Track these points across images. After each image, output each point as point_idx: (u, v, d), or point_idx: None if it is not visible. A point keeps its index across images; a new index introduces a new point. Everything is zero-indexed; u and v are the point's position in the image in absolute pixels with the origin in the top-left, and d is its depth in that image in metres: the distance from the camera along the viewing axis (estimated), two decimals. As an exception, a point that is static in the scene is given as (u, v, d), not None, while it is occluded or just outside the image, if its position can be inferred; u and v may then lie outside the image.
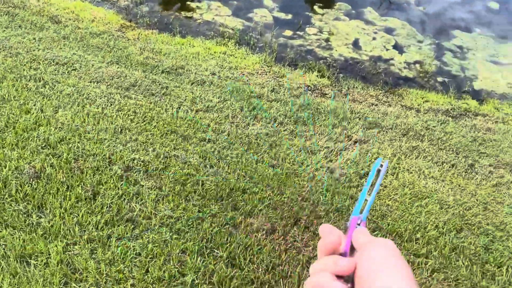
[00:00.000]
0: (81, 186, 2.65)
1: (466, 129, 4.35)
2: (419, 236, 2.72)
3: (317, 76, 5.16)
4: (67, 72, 3.97)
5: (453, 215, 2.97)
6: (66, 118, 3.24)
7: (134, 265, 2.24)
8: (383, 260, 0.51)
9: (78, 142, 3.03)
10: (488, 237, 2.82)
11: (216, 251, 2.38)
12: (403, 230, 2.74)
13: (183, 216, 2.56)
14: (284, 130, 3.76)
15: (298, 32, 6.07)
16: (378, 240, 0.53)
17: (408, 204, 3.02)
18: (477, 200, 3.20)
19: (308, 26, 6.19)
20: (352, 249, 0.56)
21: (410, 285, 0.48)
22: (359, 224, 0.58)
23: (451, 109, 4.82)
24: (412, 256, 2.56)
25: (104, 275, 2.16)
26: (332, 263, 0.53)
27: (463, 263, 2.56)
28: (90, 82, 3.89)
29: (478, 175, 3.54)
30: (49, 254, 2.21)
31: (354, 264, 0.52)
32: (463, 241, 2.75)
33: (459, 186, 3.35)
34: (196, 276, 2.21)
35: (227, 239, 2.45)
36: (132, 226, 2.45)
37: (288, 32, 6.05)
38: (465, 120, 4.61)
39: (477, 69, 5.81)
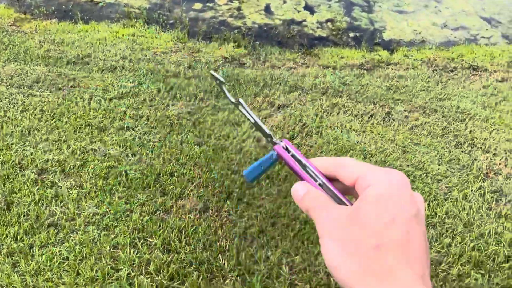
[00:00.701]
0: (-9, 199, 2.43)
1: (380, 80, 4.54)
2: (347, 188, 2.82)
3: (233, 46, 5.10)
4: (-43, 77, 3.57)
5: (376, 163, 3.10)
6: (-37, 128, 2.93)
7: (63, 270, 2.11)
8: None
9: (-19, 152, 2.76)
10: (409, 178, 2.98)
11: (149, 239, 2.31)
12: (332, 185, 2.82)
13: (110, 211, 2.44)
14: (206, 106, 3.68)
15: (208, 4, 5.92)
16: (385, 171, 0.41)
17: (334, 159, 3.10)
18: (396, 145, 3.38)
19: (217, -4, 6.06)
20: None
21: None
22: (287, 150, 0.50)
23: (365, 62, 4.99)
24: (343, 208, 2.65)
25: (31, 287, 2.02)
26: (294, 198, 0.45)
27: (390, 206, 2.70)
28: (-14, 84, 3.54)
29: (395, 121, 3.72)
30: (-36, 278, 2.02)
31: (304, 185, 0.44)
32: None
33: (379, 134, 3.50)
34: (131, 269, 2.13)
35: (159, 226, 2.38)
36: (55, 230, 2.30)
37: (198, 5, 5.88)
38: (379, 71, 4.80)
39: (384, 21, 6.04)
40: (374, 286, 0.36)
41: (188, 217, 2.48)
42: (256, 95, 3.96)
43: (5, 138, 2.91)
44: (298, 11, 5.96)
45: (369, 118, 3.75)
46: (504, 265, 2.40)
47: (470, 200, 2.84)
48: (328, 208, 0.42)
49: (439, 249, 2.44)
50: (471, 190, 2.93)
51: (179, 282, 2.11)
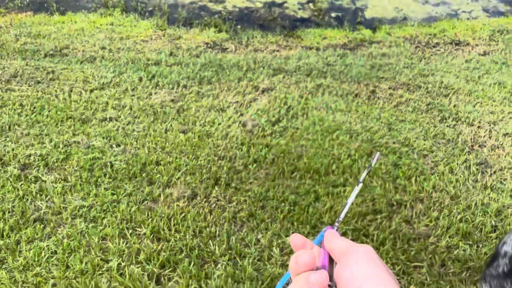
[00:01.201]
0: (-26, 197, 2.38)
1: (364, 58, 4.53)
2: (334, 168, 2.83)
3: (214, 32, 5.03)
4: None
5: (362, 141, 3.11)
6: None
7: (52, 264, 2.08)
8: (365, 274, 0.48)
9: (-40, 150, 2.70)
10: (395, 154, 3.00)
11: (138, 229, 2.29)
12: (320, 165, 2.83)
13: (96, 202, 2.41)
14: (190, 93, 3.64)
15: (187, -10, 5.81)
16: (356, 249, 0.51)
17: (321, 140, 3.10)
18: (382, 122, 3.38)
19: (196, -19, 5.95)
20: (331, 260, 0.53)
21: None
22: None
23: (348, 42, 4.97)
24: (331, 188, 2.66)
25: (20, 283, 1.99)
26: (303, 281, 0.50)
27: (377, 183, 2.71)
28: (-38, 81, 3.45)
29: (380, 99, 3.73)
30: (-50, 278, 1.98)
31: (326, 277, 0.49)
32: (375, 163, 2.90)
33: (364, 113, 3.50)
34: (121, 259, 2.12)
35: (148, 215, 2.36)
36: (42, 225, 2.27)
37: (177, -9, 5.77)
38: (362, 50, 4.79)
39: (365, -1, 6.01)
40: None
41: (177, 205, 2.46)
42: (240, 79, 3.92)
43: (-15, 134, 2.84)
44: (279, -7, 5.89)
45: (354, 97, 3.74)
46: (491, 235, 2.44)
47: (456, 173, 2.87)
48: None
49: (427, 223, 2.46)
50: (457, 164, 2.96)
51: (170, 269, 2.10)
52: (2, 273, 2.00)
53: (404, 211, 2.54)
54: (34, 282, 1.99)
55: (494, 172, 2.92)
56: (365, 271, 0.48)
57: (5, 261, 2.08)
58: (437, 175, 2.84)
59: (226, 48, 4.72)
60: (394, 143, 3.14)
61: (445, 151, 3.08)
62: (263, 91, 3.78)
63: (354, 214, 2.48)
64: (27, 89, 3.41)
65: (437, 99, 3.74)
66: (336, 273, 0.51)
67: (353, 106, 3.59)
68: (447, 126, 3.38)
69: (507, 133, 3.30)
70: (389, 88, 3.92)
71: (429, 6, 5.99)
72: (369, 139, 3.16)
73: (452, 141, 3.20)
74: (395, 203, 2.59)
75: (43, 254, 2.11)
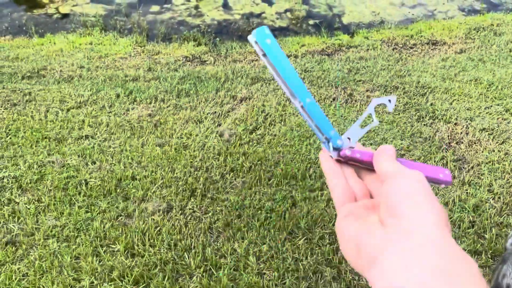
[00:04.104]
0: None
1: (342, 63, 4.55)
2: (311, 172, 2.82)
3: (193, 45, 5.05)
4: None
5: (340, 145, 3.11)
6: None
7: (24, 287, 2.05)
8: (414, 195, 0.43)
9: None
10: (373, 156, 2.99)
11: (112, 246, 2.26)
12: (296, 170, 2.82)
13: (70, 221, 2.38)
14: (167, 107, 3.63)
15: (165, 6, 5.85)
16: (407, 172, 0.46)
17: (298, 145, 3.10)
18: (359, 125, 3.38)
19: (174, -3, 5.99)
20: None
21: (442, 226, 0.41)
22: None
23: (326, 48, 4.99)
24: (308, 192, 2.65)
25: (-9, 309, 1.95)
26: (340, 192, 0.53)
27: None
28: None
29: (357, 102, 3.74)
30: None
31: (366, 190, 0.52)
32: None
33: (342, 116, 3.51)
34: (94, 278, 2.09)
35: (122, 231, 2.34)
36: (14, 248, 2.24)
37: (155, 8, 5.81)
38: (340, 54, 4.82)
39: (342, 5, 6.06)
40: None
41: (152, 219, 2.44)
42: (217, 90, 3.92)
43: (-42, 160, 2.82)
44: (257, 4, 5.94)
45: (331, 101, 3.75)
46: (469, 230, 2.42)
47: (433, 171, 2.86)
48: None
49: (404, 222, 2.45)
50: (434, 161, 2.95)
51: (144, 285, 2.07)
52: (-28, 298, 1.97)
53: (381, 211, 2.52)
54: (5, 306, 1.95)
55: (472, 167, 2.92)
56: (414, 193, 0.44)
57: (-24, 286, 2.04)
58: (415, 174, 2.83)
59: (205, 61, 4.74)
60: (371, 144, 3.14)
61: (422, 150, 3.08)
62: (241, 100, 3.78)
63: (331, 217, 2.46)
64: (3, 112, 3.39)
65: (414, 99, 3.75)
66: (382, 189, 0.47)
67: (331, 110, 3.60)
68: (424, 124, 3.38)
69: (484, 128, 3.31)
70: (367, 90, 3.94)
71: (406, 9, 6.05)
72: (347, 142, 3.15)
73: (429, 139, 3.20)
74: (372, 204, 2.57)
75: (14, 277, 2.08)
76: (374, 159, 0.52)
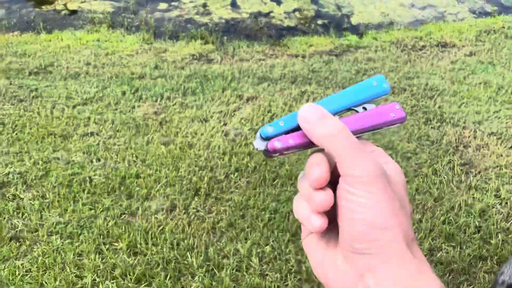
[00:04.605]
0: (-50, 218, 2.36)
1: (349, 64, 4.52)
2: (316, 174, 2.79)
3: (200, 44, 5.04)
4: None
5: (346, 146, 3.08)
6: None
7: (26, 283, 2.05)
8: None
9: None
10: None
11: (114, 244, 2.26)
12: (301, 171, 2.79)
13: (73, 218, 2.38)
14: (173, 105, 3.63)
15: (173, 3, 5.85)
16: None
17: (303, 146, 3.08)
18: (366, 127, 3.35)
19: (182, -5, 5.99)
20: None
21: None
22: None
23: (334, 48, 4.97)
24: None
25: (-7, 304, 1.96)
26: (307, 198, 0.42)
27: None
28: None
29: (364, 103, 3.71)
30: None
31: (331, 197, 0.40)
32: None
33: (348, 118, 3.48)
34: (96, 275, 2.08)
35: (124, 229, 2.33)
36: (18, 243, 2.24)
37: (163, 5, 5.81)
38: (348, 55, 4.79)
39: (352, 5, 6.02)
40: None
41: (155, 217, 2.43)
42: (224, 89, 3.91)
43: (-36, 154, 2.83)
44: (265, 3, 5.92)
45: (338, 102, 3.72)
46: (475, 235, 2.39)
47: (440, 175, 2.83)
48: None
49: (410, 226, 2.42)
50: (441, 165, 2.92)
51: (146, 284, 2.06)
52: (-26, 293, 1.98)
53: (386, 215, 2.50)
54: (7, 302, 1.96)
55: (479, 172, 2.88)
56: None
57: (-21, 281, 2.05)
58: (421, 177, 2.80)
59: (212, 59, 4.73)
60: (377, 146, 3.11)
61: (429, 153, 3.05)
62: (247, 100, 3.76)
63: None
64: (9, 107, 3.40)
65: (422, 101, 3.72)
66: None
67: (337, 112, 3.57)
68: (431, 127, 3.35)
69: (492, 132, 3.27)
70: (374, 92, 3.90)
71: (416, 10, 6.00)
72: (353, 144, 3.12)
73: (437, 142, 3.17)
74: (377, 207, 2.55)
75: (17, 273, 2.08)
76: (310, 135, 0.42)
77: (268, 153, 0.44)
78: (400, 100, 3.75)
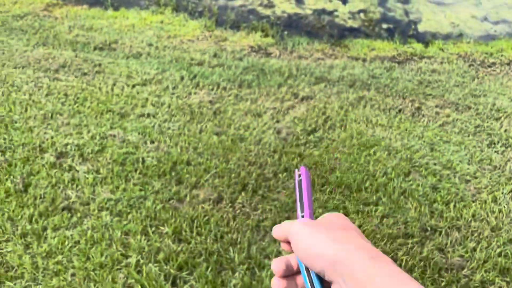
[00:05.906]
0: (11, 180, 2.47)
1: (412, 73, 4.35)
2: (368, 185, 2.71)
3: (260, 36, 5.01)
4: (-12, 60, 3.66)
5: (401, 160, 2.97)
6: (-11, 110, 3.00)
7: (74, 254, 2.12)
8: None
9: (5, 134, 2.82)
10: (435, 177, 2.84)
11: (161, 228, 2.29)
12: (352, 181, 2.72)
13: (124, 197, 2.43)
14: (228, 96, 3.63)
15: (238, -7, 5.83)
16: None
17: (356, 154, 2.99)
18: (424, 141, 3.22)
19: (247, -15, 5.96)
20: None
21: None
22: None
23: (397, 55, 4.80)
24: (362, 206, 2.55)
25: (41, 269, 2.03)
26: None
27: (412, 205, 2.57)
28: (15, 68, 3.61)
29: (425, 117, 3.56)
30: (-21, 256, 2.06)
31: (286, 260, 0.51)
32: (411, 184, 2.76)
33: (406, 130, 3.35)
34: (141, 256, 2.12)
35: (172, 215, 2.36)
36: (69, 214, 2.31)
37: (228, -6, 5.81)
38: (411, 64, 4.61)
39: (420, 12, 5.79)
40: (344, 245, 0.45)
41: (201, 207, 2.44)
42: (280, 85, 3.87)
43: (28, 121, 2.95)
44: (330, 1, 5.80)
45: (397, 113, 3.59)
46: (533, 274, 2.24)
47: (500, 203, 2.67)
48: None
49: (462, 253, 2.30)
50: (502, 193, 2.75)
51: (187, 272, 2.07)
52: (26, 257, 2.06)
53: (438, 238, 2.39)
54: (55, 270, 2.02)
55: (544, 206, 2.69)
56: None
57: (31, 246, 2.13)
58: (479, 203, 2.66)
59: (271, 53, 4.69)
60: (435, 164, 2.98)
61: (490, 178, 2.88)
62: (302, 99, 3.71)
63: (383, 236, 2.36)
64: (73, 79, 3.52)
65: (487, 122, 3.52)
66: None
67: (395, 122, 3.45)
68: (495, 151, 3.16)
69: (563, 165, 3.04)
70: (436, 106, 3.74)
71: (488, 24, 5.68)
72: (409, 158, 3.01)
73: (499, 168, 2.99)
74: (429, 229, 2.44)
75: (66, 243, 2.15)
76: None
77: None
78: (463, 118, 3.56)
